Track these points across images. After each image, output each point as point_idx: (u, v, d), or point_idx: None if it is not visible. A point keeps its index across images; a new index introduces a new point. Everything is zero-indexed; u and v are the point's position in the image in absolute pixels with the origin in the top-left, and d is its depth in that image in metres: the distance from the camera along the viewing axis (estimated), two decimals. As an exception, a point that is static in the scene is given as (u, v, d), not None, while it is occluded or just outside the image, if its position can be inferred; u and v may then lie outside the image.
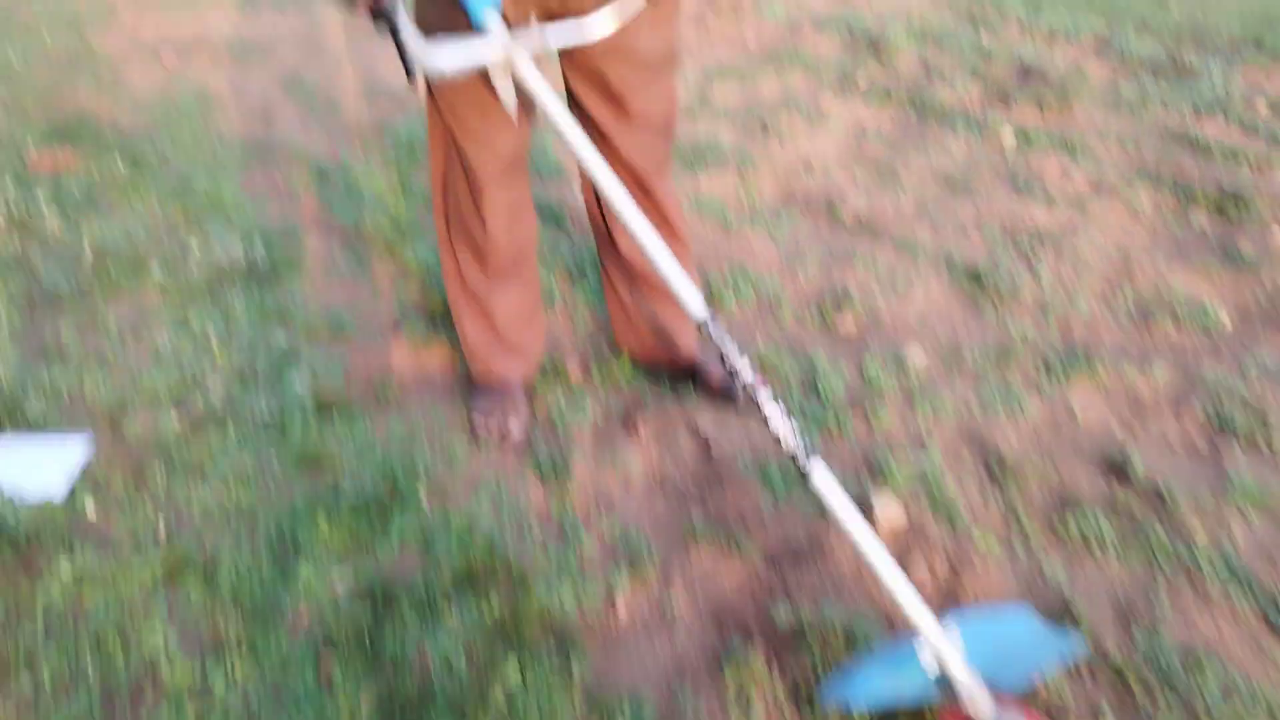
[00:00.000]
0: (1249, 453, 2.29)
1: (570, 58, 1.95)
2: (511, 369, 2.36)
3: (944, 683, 1.50)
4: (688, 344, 2.43)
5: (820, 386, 2.48)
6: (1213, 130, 4.06)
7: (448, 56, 1.61)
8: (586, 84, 1.98)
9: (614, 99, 1.98)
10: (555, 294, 2.84)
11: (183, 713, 1.65)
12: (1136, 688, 1.73)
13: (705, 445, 2.31)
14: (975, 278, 2.99)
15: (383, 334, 2.67)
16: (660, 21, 1.92)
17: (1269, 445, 2.30)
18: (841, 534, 1.64)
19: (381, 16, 1.56)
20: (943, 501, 2.12)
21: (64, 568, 1.89)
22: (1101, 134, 4.00)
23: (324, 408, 2.35)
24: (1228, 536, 2.05)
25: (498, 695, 1.68)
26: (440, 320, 2.71)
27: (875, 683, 1.51)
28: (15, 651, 1.74)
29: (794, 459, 1.59)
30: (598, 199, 2.24)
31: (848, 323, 2.78)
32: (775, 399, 1.65)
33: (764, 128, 4.00)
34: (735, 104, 4.25)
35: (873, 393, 2.47)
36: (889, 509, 2.05)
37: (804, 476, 1.58)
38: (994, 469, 2.23)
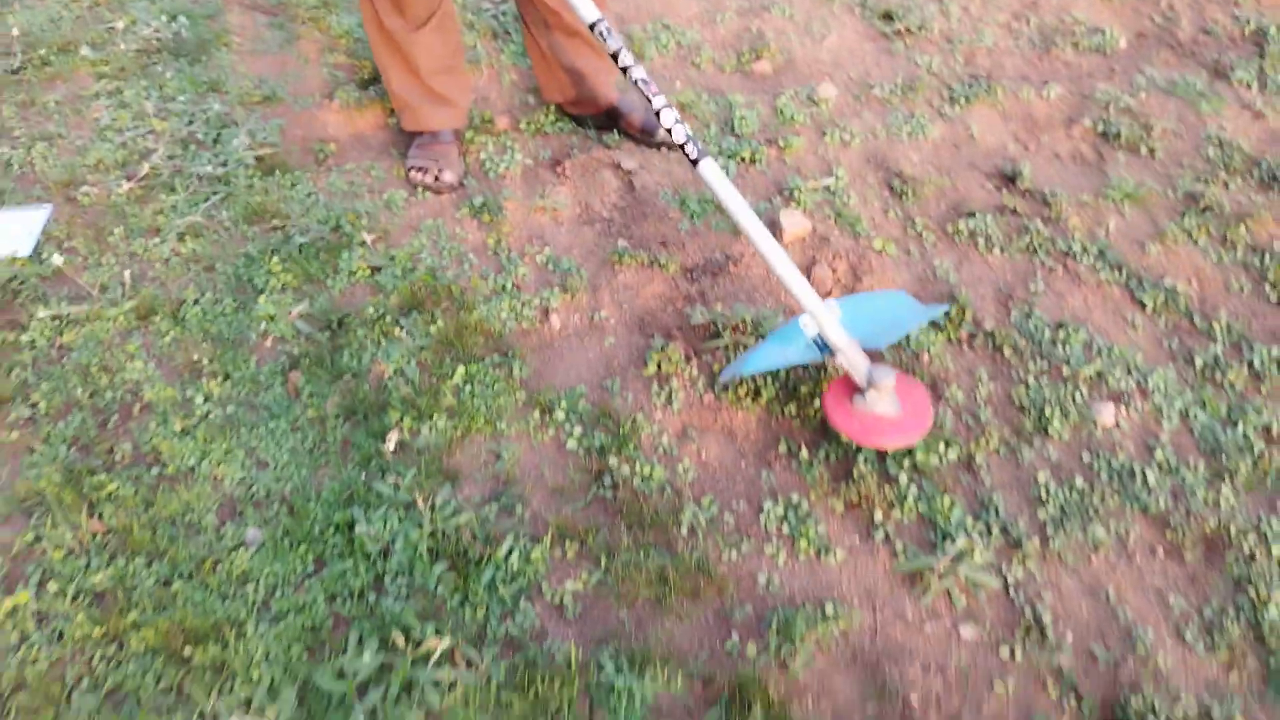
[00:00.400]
0: (1129, 156, 2.49)
1: None
2: (440, 119, 2.48)
3: (824, 348, 1.73)
4: (607, 88, 2.55)
5: (736, 123, 2.63)
6: None
7: None
8: None
9: None
10: (481, 54, 2.92)
11: (169, 423, 1.86)
12: (1010, 353, 1.99)
13: (628, 180, 2.47)
14: (887, 17, 3.09)
15: (315, 100, 2.76)
16: None
17: (1150, 150, 2.50)
18: (733, 220, 1.82)
19: None
20: (846, 215, 2.32)
21: (42, 314, 2.06)
22: None
23: (265, 166, 2.48)
24: (1102, 228, 2.28)
25: (447, 394, 1.91)
26: (371, 85, 2.80)
27: (765, 354, 1.74)
28: (8, 386, 1.93)
29: (683, 149, 1.77)
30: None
31: (763, 66, 2.90)
32: (669, 107, 1.81)
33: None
34: None
35: (785, 126, 2.63)
36: (794, 219, 2.24)
37: (694, 164, 1.76)
38: (895, 186, 2.42)
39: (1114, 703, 1.46)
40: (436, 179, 2.42)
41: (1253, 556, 1.61)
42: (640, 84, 1.81)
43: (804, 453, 1.80)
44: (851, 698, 1.48)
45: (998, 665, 1.51)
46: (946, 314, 2.05)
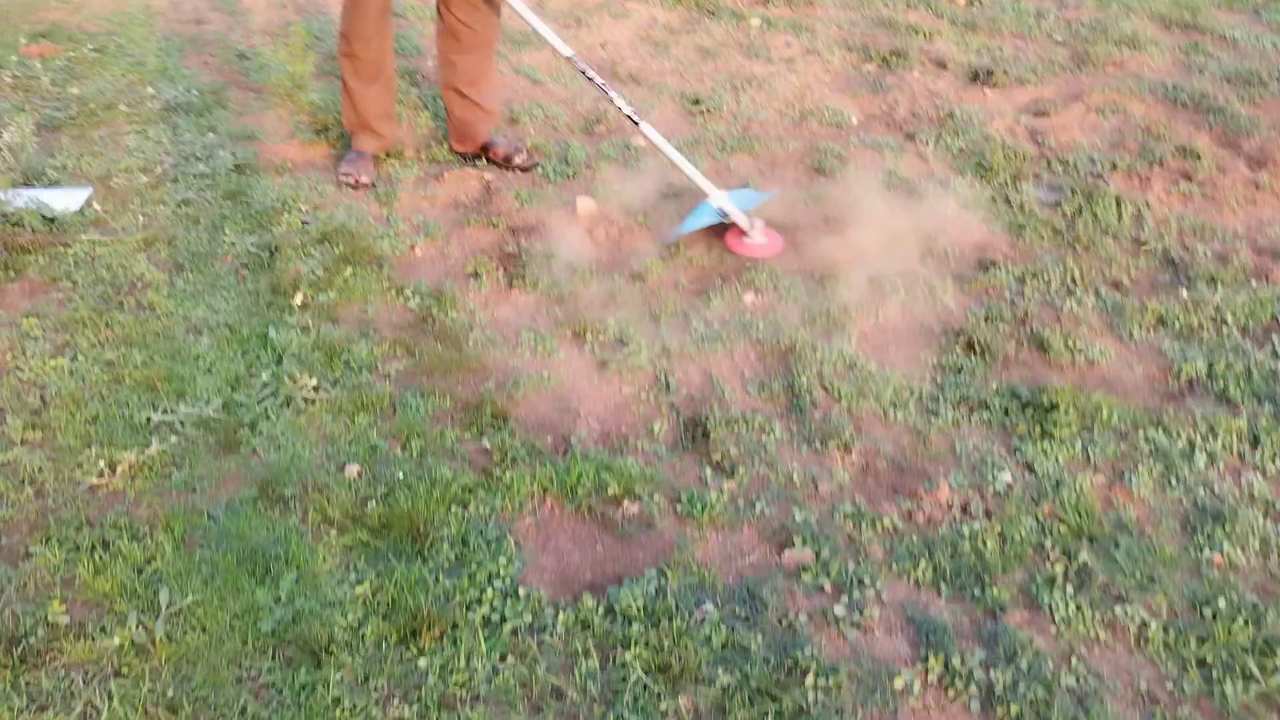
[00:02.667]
0: (828, 179, 3.70)
1: None
2: (371, 146, 3.69)
3: (723, 214, 3.01)
4: (482, 133, 3.78)
5: (569, 156, 3.84)
6: (913, 17, 5.49)
7: None
8: None
9: None
10: (403, 118, 4.17)
11: (160, 290, 2.97)
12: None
13: (487, 184, 3.66)
14: (695, 101, 4.37)
15: (282, 138, 3.98)
16: None
17: (843, 175, 3.71)
18: (662, 153, 3.13)
19: None
20: (625, 203, 3.49)
21: (83, 238, 3.19)
22: (827, 22, 5.40)
23: (241, 171, 3.67)
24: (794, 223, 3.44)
25: (338, 281, 3.02)
26: (322, 133, 4.03)
27: (692, 221, 3.05)
28: (57, 273, 3.04)
29: (629, 117, 3.01)
30: (447, 34, 3.58)
31: (599, 129, 4.15)
32: (616, 94, 3.07)
33: (579, 22, 5.34)
34: (562, 7, 5.58)
35: (602, 159, 3.84)
36: (585, 202, 3.42)
37: (636, 124, 3.04)
38: (666, 194, 3.61)
39: (697, 418, 2.52)
40: (357, 181, 3.60)
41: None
42: (600, 85, 3.08)
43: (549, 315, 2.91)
44: (547, 413, 2.54)
45: (636, 400, 2.58)
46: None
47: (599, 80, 3.26)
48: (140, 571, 2.04)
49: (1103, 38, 5.17)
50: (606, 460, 2.35)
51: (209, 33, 5.11)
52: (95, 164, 3.70)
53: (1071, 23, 5.45)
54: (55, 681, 1.82)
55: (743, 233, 3.17)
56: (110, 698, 1.78)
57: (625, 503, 2.25)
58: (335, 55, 4.55)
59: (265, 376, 2.59)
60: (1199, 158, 3.85)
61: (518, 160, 3.77)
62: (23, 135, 3.73)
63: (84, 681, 1.82)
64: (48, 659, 1.85)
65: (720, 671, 1.85)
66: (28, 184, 3.49)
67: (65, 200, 3.38)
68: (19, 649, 1.86)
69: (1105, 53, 4.96)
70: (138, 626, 1.90)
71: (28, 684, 1.81)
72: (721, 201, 3.14)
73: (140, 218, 3.34)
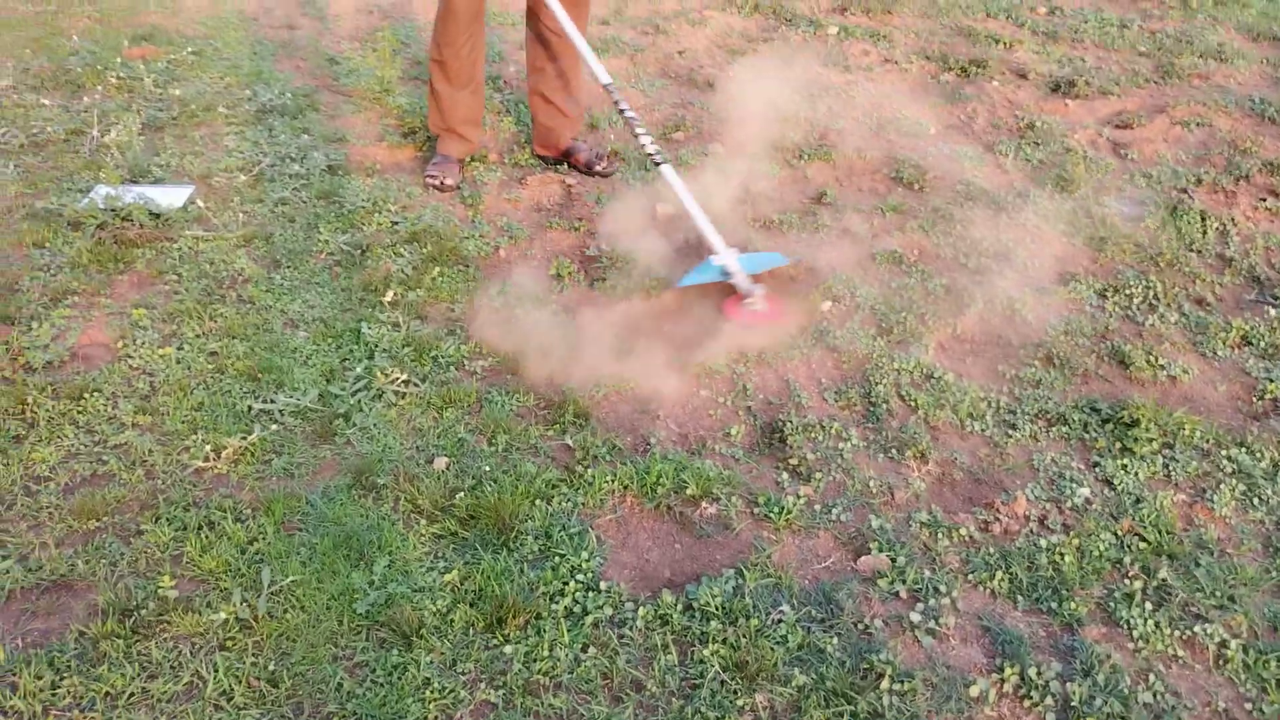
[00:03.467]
0: (906, 190, 3.71)
1: None
2: (456, 150, 3.80)
3: (726, 274, 2.94)
4: (565, 139, 3.86)
5: (648, 163, 3.91)
6: (992, 26, 5.46)
7: None
8: None
9: None
10: (487, 123, 4.28)
11: (259, 285, 3.10)
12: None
13: (569, 189, 3.75)
14: (775, 108, 4.41)
15: (371, 141, 4.11)
16: None
17: (920, 187, 3.72)
18: (678, 199, 3.06)
19: None
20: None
21: (187, 234, 3.34)
22: (905, 31, 5.40)
23: (333, 172, 3.80)
24: (868, 224, 3.47)
25: (427, 280, 3.13)
26: (409, 135, 4.15)
27: (695, 275, 2.96)
28: (164, 266, 3.19)
29: (651, 157, 3.04)
30: (536, 42, 3.66)
31: (678, 135, 4.21)
32: (645, 133, 3.10)
33: (656, 29, 5.41)
34: (641, 14, 5.66)
35: (679, 166, 3.90)
36: (665, 208, 3.49)
37: (658, 164, 3.03)
38: (742, 198, 3.65)
39: (774, 423, 2.57)
40: (442, 183, 3.71)
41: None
42: (629, 118, 3.11)
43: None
44: (627, 414, 2.61)
45: (714, 404, 2.63)
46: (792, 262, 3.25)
47: (630, 113, 3.18)
48: (244, 551, 2.15)
49: (1188, 49, 5.10)
50: (685, 461, 2.41)
51: (300, 37, 5.28)
52: (197, 163, 3.86)
53: (1156, 34, 5.38)
54: (165, 652, 1.93)
55: (741, 297, 2.97)
56: (216, 669, 1.89)
57: (703, 503, 2.30)
58: (422, 60, 4.70)
59: (358, 370, 2.70)
60: (1288, 174, 3.78)
61: (599, 166, 3.85)
62: (129, 134, 3.91)
63: (191, 653, 1.93)
64: (158, 630, 1.97)
65: (796, 672, 1.89)
66: (134, 181, 3.66)
67: (170, 197, 3.54)
68: (131, 620, 1.98)
69: (1190, 65, 4.89)
70: (242, 603, 2.01)
71: (139, 653, 1.92)
72: (728, 261, 2.95)
73: (240, 215, 3.48)
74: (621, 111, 3.19)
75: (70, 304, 2.95)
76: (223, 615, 1.99)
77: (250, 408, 2.58)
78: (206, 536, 2.18)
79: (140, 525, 2.22)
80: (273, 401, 2.60)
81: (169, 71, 4.70)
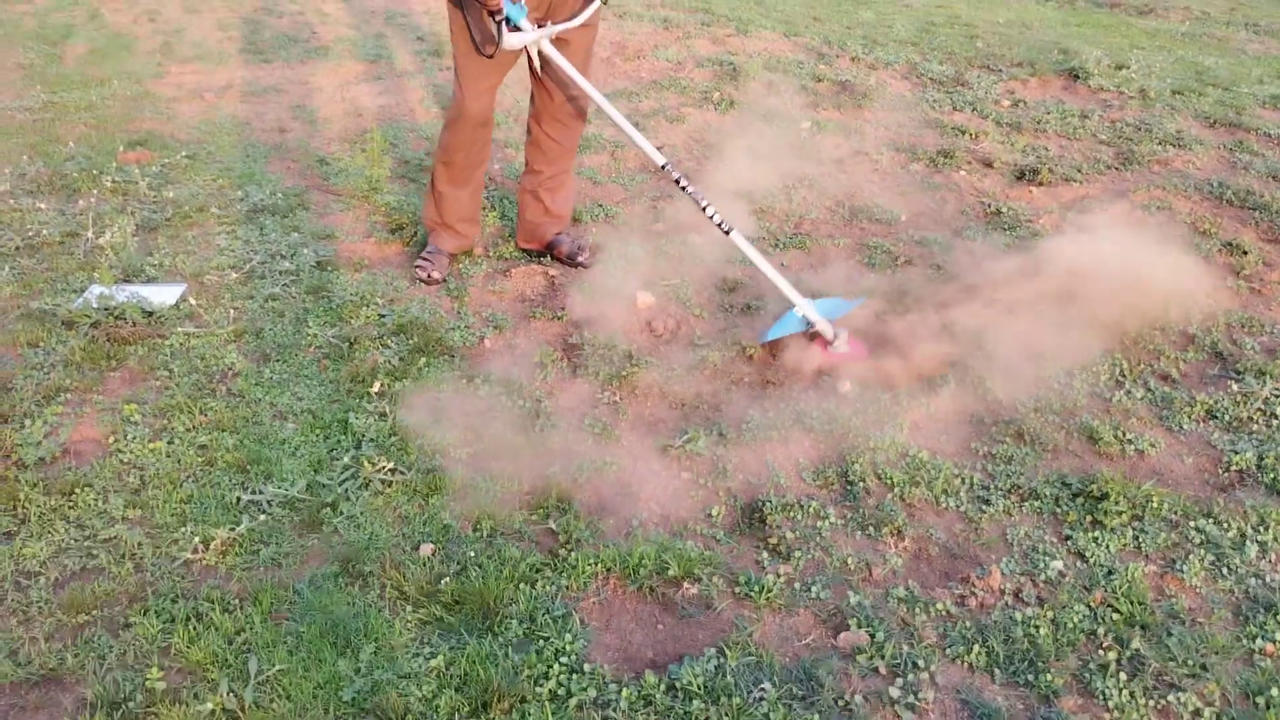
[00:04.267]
0: (879, 273, 3.84)
1: (557, 38, 3.48)
2: (449, 243, 3.90)
3: (808, 324, 3.10)
4: (549, 234, 3.99)
5: (629, 254, 4.03)
6: (959, 118, 5.69)
7: (515, 39, 3.21)
8: (563, 47, 3.49)
9: (574, 54, 3.51)
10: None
11: (249, 379, 3.17)
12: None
13: (552, 280, 3.86)
14: (750, 200, 4.56)
15: (359, 238, 4.24)
16: (594, 26, 3.52)
17: (896, 268, 3.84)
18: (752, 264, 3.23)
19: (498, 13, 3.13)
20: (684, 298, 3.66)
21: (179, 330, 3.42)
22: (875, 124, 5.62)
23: (322, 268, 3.91)
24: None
25: (413, 371, 3.21)
26: (395, 232, 4.27)
27: (778, 328, 3.13)
28: (155, 363, 3.27)
29: (719, 225, 3.19)
30: (536, 146, 3.80)
31: (657, 227, 4.35)
32: (709, 204, 3.22)
33: (636, 125, 5.60)
34: (620, 111, 5.86)
35: (659, 257, 4.03)
36: (645, 297, 3.59)
37: (726, 233, 3.18)
38: (721, 287, 3.77)
39: (754, 503, 2.62)
40: (430, 275, 3.81)
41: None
42: (691, 194, 3.24)
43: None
44: (609, 496, 2.66)
45: (695, 485, 2.69)
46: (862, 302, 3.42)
47: (691, 189, 3.36)
48: (231, 642, 2.18)
49: (1147, 137, 5.31)
50: (667, 543, 2.46)
51: (291, 140, 5.46)
52: (189, 262, 3.96)
53: (1116, 123, 5.61)
54: (153, 744, 1.94)
55: (828, 341, 3.22)
56: (203, 760, 1.90)
57: (685, 584, 2.35)
58: (410, 159, 4.86)
59: (346, 459, 2.75)
60: (1245, 253, 3.93)
61: (580, 258, 3.97)
62: (123, 235, 4.02)
63: (179, 745, 1.94)
64: (146, 723, 1.98)
65: (778, 748, 1.91)
66: (128, 280, 3.76)
67: (162, 295, 3.63)
68: (119, 713, 2.00)
69: (1150, 151, 5.10)
70: (229, 694, 2.03)
71: (127, 746, 1.93)
72: (807, 310, 3.19)
73: (231, 311, 3.57)
74: (684, 189, 3.37)
75: (63, 401, 3.01)
76: (210, 706, 2.00)
77: (239, 499, 2.62)
78: (194, 628, 2.21)
79: (129, 618, 2.25)
80: (261, 492, 2.64)
81: (163, 175, 4.84)
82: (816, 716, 1.99)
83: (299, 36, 7.62)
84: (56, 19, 8.07)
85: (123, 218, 4.20)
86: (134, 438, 2.86)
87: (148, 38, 7.57)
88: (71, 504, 2.59)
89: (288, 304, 3.65)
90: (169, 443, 2.84)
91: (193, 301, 3.60)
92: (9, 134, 5.36)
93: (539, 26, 3.32)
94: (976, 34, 7.77)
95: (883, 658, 2.13)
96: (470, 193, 3.83)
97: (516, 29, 3.24)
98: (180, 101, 6.10)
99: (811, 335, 3.25)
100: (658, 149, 3.51)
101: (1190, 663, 2.11)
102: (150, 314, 3.49)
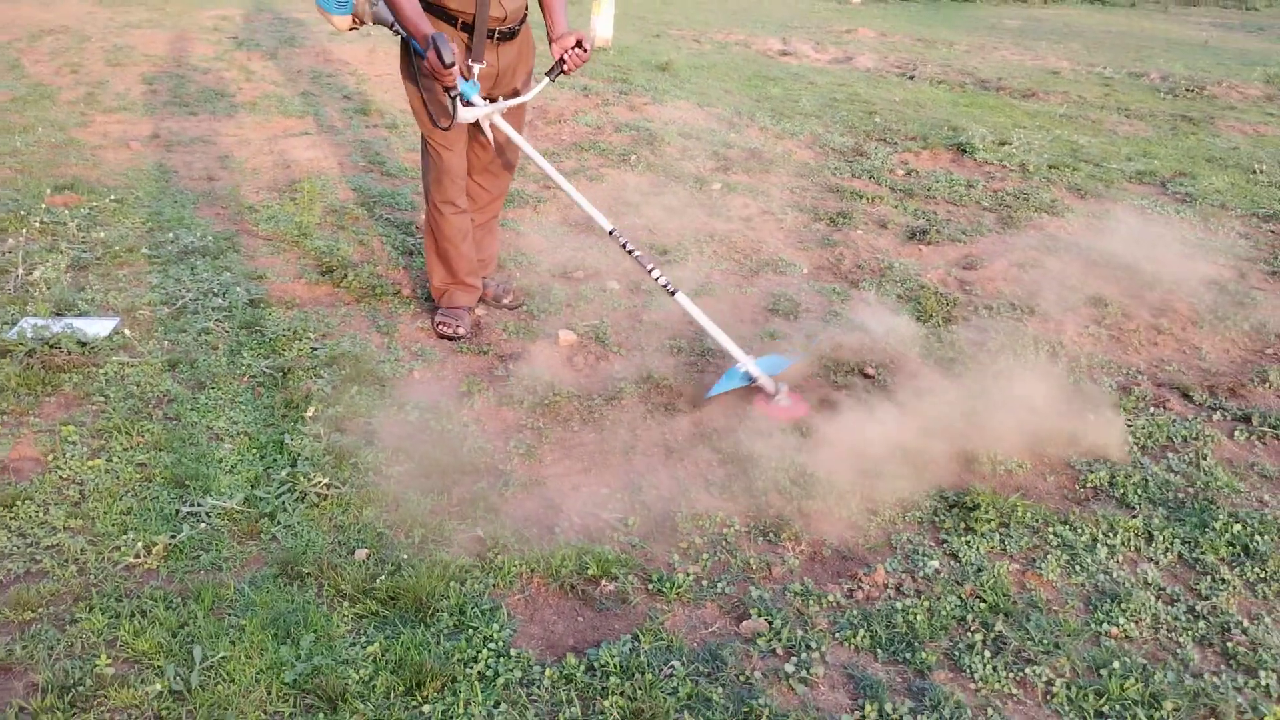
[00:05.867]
0: (784, 320, 4.16)
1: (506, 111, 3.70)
2: (466, 299, 3.95)
3: (750, 379, 3.28)
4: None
5: (551, 296, 4.29)
6: (857, 185, 6.14)
7: (469, 114, 3.42)
8: (511, 118, 3.72)
9: (513, 119, 3.75)
10: (400, 262, 4.62)
11: (184, 404, 3.31)
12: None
13: (478, 320, 4.09)
14: (662, 251, 4.88)
15: (290, 279, 4.41)
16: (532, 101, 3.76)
17: (795, 316, 4.18)
18: (695, 320, 3.40)
19: (452, 89, 3.32)
20: (602, 336, 3.92)
21: (114, 360, 3.54)
22: (781, 187, 6.03)
23: (254, 306, 4.07)
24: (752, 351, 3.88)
25: (344, 398, 3.39)
26: (325, 274, 4.46)
27: (722, 384, 3.28)
28: (91, 389, 3.38)
29: (665, 287, 3.38)
30: (467, 194, 3.99)
31: (578, 274, 4.62)
32: (654, 267, 3.45)
33: (556, 185, 5.91)
34: (542, 173, 6.16)
35: (580, 300, 4.29)
36: (568, 335, 3.84)
37: (672, 294, 3.37)
38: (637, 326, 4.04)
39: (667, 513, 2.86)
40: (456, 331, 3.93)
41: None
42: (637, 258, 3.46)
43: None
44: (533, 509, 2.87)
45: (612, 499, 2.92)
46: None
47: (638, 254, 3.52)
48: (175, 634, 2.31)
49: (1025, 204, 5.82)
50: (586, 547, 2.68)
51: (220, 188, 5.62)
52: (121, 298, 4.08)
53: (998, 192, 6.12)
54: (102, 723, 2.07)
55: (769, 396, 3.37)
56: (151, 736, 2.04)
57: (603, 581, 2.57)
58: (337, 208, 5.06)
59: (282, 475, 2.92)
60: (1107, 306, 4.37)
61: (506, 300, 4.21)
62: (56, 271, 4.13)
63: (128, 723, 2.07)
64: (95, 704, 2.11)
65: (686, 716, 2.14)
66: (60, 314, 3.87)
67: (96, 327, 3.75)
68: (69, 695, 2.12)
69: (1026, 217, 5.59)
70: (175, 677, 2.17)
71: (77, 725, 2.06)
72: (749, 366, 3.35)
73: (165, 343, 3.71)
74: (630, 252, 3.50)
75: (0, 422, 3.11)
76: (157, 687, 2.14)
77: (178, 511, 2.76)
78: (139, 622, 2.34)
79: (75, 614, 2.37)
80: (200, 505, 2.79)
81: (92, 217, 4.96)
82: (720, 689, 2.22)
83: (225, 91, 7.78)
84: (-24, 67, 8.09)
85: (54, 255, 4.31)
86: (72, 456, 2.97)
87: (70, 88, 7.65)
88: (13, 514, 2.70)
89: (221, 337, 3.80)
90: (107, 460, 2.97)
91: (126, 333, 3.73)
92: (-68, 175, 5.40)
93: (489, 102, 3.56)
94: (875, 110, 8.34)
95: (779, 641, 2.37)
96: (470, 245, 3.92)
97: (469, 104, 3.46)
98: (106, 149, 6.20)
99: (754, 390, 3.41)
100: (575, 205, 3.76)
101: (1045, 642, 2.41)
102: (84, 344, 3.61)
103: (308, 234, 4.89)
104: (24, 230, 4.64)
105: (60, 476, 2.89)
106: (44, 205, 4.98)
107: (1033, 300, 4.44)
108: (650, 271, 3.50)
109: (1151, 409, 3.57)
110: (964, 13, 19.16)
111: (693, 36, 12.64)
